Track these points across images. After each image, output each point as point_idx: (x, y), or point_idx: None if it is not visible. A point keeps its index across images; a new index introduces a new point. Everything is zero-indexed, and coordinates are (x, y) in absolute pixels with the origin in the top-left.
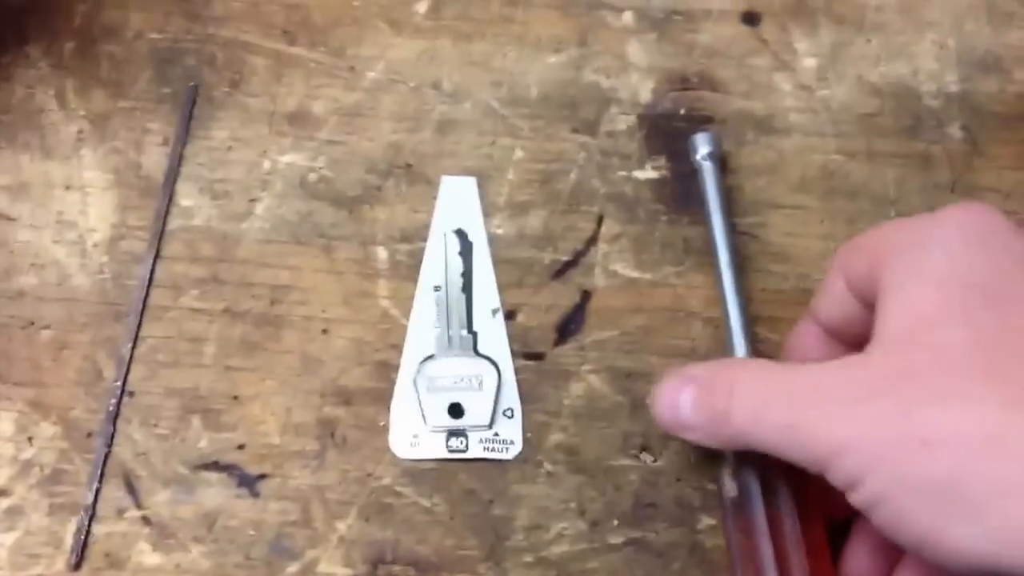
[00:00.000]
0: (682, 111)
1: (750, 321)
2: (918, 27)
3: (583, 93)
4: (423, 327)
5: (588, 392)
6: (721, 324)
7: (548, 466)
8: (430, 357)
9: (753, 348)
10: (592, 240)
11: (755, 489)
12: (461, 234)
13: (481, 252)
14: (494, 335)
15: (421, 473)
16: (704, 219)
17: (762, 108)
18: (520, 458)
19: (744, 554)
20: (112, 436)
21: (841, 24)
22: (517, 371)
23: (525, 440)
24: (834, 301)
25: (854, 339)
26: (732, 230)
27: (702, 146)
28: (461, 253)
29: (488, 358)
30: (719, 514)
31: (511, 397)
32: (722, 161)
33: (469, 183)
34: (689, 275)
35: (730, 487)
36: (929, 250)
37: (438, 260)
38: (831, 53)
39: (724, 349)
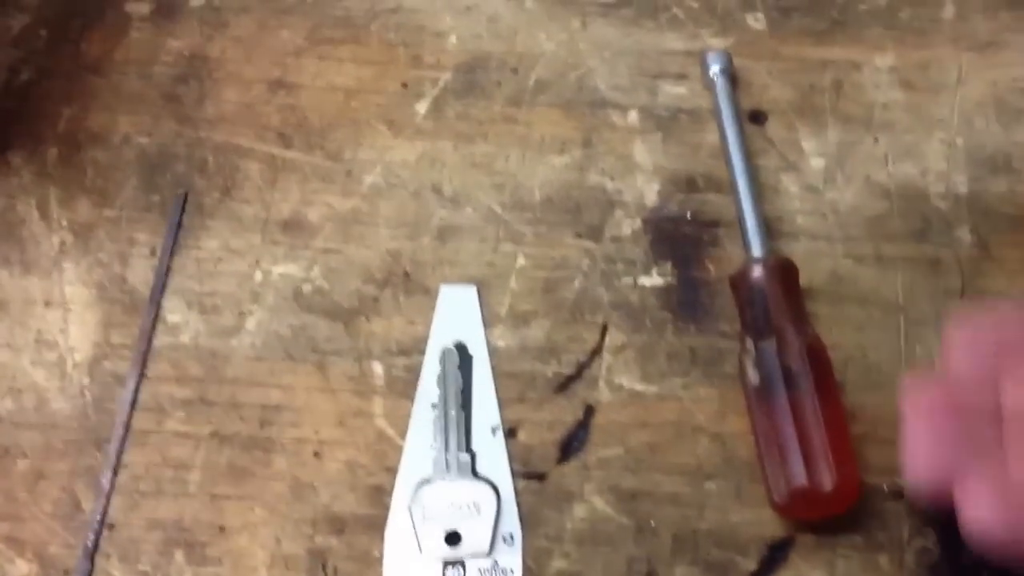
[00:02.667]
0: (689, 214)
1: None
2: (926, 126)
3: (587, 196)
4: (419, 447)
5: (591, 514)
6: (728, 439)
7: None
8: (426, 481)
9: (771, 247)
10: (596, 351)
11: (776, 375)
12: (461, 347)
13: (481, 366)
14: (494, 455)
15: None
16: (719, 132)
17: (769, 211)
18: None
19: (768, 438)
20: (89, 574)
21: (848, 123)
22: (517, 492)
23: (526, 568)
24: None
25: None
26: (746, 145)
27: (714, 63)
28: (460, 367)
29: (487, 480)
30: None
31: (511, 522)
32: (732, 78)
33: (470, 292)
34: (696, 387)
35: (753, 375)
36: None
37: (436, 375)
38: (838, 153)
39: (732, 465)
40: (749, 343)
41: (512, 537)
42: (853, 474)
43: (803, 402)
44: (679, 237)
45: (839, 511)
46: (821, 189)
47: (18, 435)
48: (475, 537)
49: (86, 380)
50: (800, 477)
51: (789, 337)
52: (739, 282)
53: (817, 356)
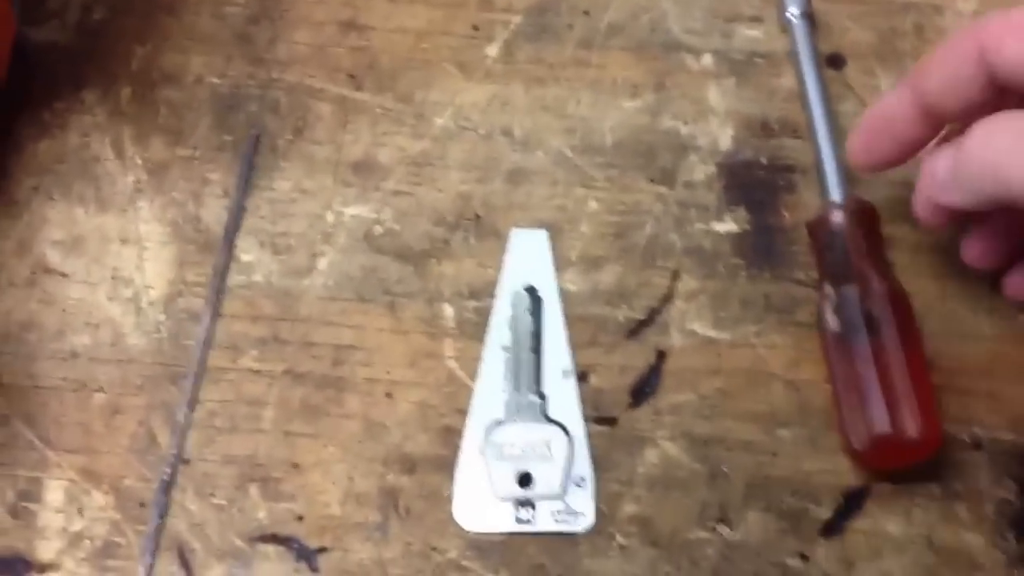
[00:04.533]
0: (763, 160)
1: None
2: None
3: (660, 141)
4: (490, 390)
5: (663, 460)
6: (802, 387)
7: (620, 539)
8: (498, 422)
9: (851, 192)
10: (668, 297)
11: (858, 321)
12: (532, 291)
13: (553, 310)
14: (565, 398)
15: (487, 546)
16: (797, 77)
17: (847, 158)
18: (591, 530)
19: (848, 384)
20: (166, 507)
21: None
22: (589, 437)
23: (597, 511)
24: (955, 84)
25: (956, 118)
26: (825, 87)
27: (792, 5)
28: (531, 311)
29: (559, 423)
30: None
31: (583, 465)
32: (811, 20)
33: (541, 236)
34: (769, 334)
35: (832, 322)
36: None
37: (507, 319)
38: None
39: (806, 413)
40: (829, 289)
41: (584, 480)
42: (936, 422)
43: (885, 348)
44: (753, 182)
45: (921, 459)
46: None
47: (95, 370)
48: (546, 479)
49: (161, 317)
50: (883, 424)
51: (871, 282)
52: (818, 227)
53: (899, 302)
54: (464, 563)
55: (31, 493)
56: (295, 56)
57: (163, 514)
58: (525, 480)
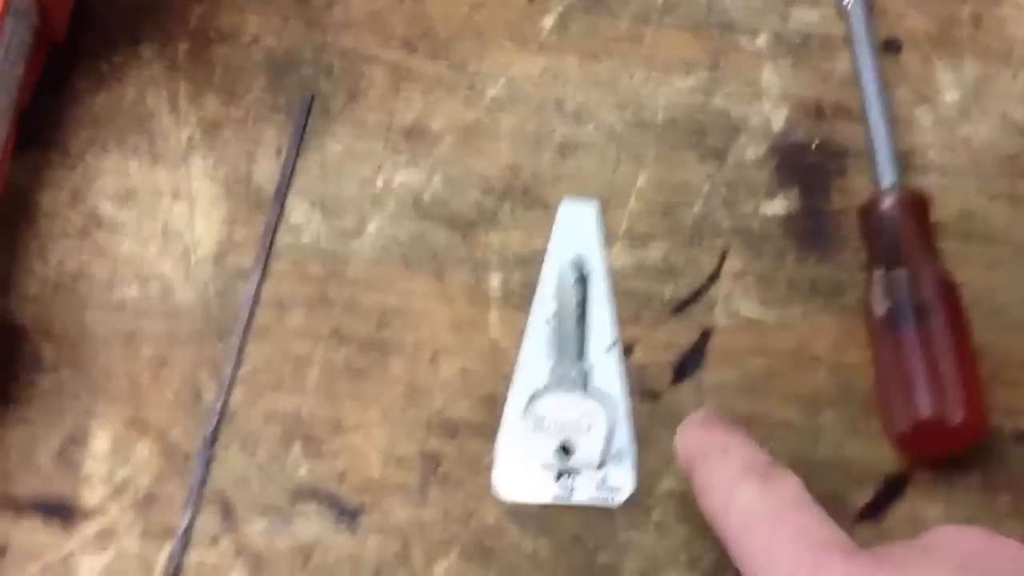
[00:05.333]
0: (816, 143)
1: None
2: None
3: (712, 120)
4: (534, 360)
5: None
6: (846, 371)
7: (657, 515)
8: (540, 392)
9: (902, 179)
10: (714, 276)
11: (906, 306)
12: (579, 262)
13: (599, 282)
14: (609, 371)
15: (525, 515)
16: (852, 61)
17: (900, 143)
18: (630, 504)
19: (893, 369)
20: (210, 460)
21: (987, 57)
22: (631, 411)
23: (637, 485)
24: None
25: None
26: (881, 72)
27: None
28: (578, 282)
29: (601, 395)
30: (867, 332)
31: (624, 438)
32: (868, 5)
33: (591, 208)
34: (815, 317)
35: (880, 306)
36: None
37: (553, 289)
38: (975, 88)
39: (849, 397)
40: (878, 274)
41: (624, 454)
42: (981, 410)
43: (933, 335)
44: (805, 165)
45: (964, 447)
46: (955, 124)
47: (143, 322)
48: (587, 450)
49: (210, 273)
50: (927, 409)
51: (921, 269)
52: (870, 212)
53: (948, 290)
54: (502, 529)
55: (78, 441)
56: (351, 21)
57: (207, 467)
58: (565, 451)
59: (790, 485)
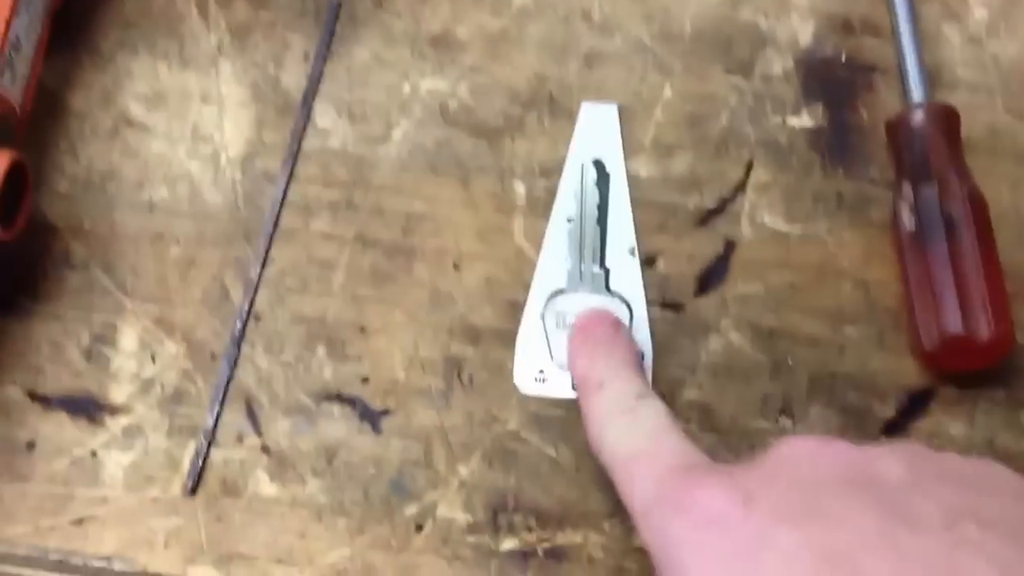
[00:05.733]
0: (843, 57)
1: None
2: None
3: (739, 32)
4: (554, 260)
5: (727, 348)
6: (872, 286)
7: (681, 424)
8: (559, 291)
9: (931, 95)
10: (740, 188)
11: (936, 221)
12: (599, 164)
13: (619, 185)
14: (628, 275)
15: (548, 421)
16: None
17: (928, 60)
18: None
19: (921, 285)
20: (236, 360)
21: None
22: (653, 321)
23: (657, 392)
24: None
25: None
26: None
27: None
28: (598, 184)
29: (620, 297)
30: (895, 248)
31: (642, 341)
32: None
33: (611, 111)
34: (841, 232)
35: (909, 221)
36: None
37: (574, 190)
38: (1003, 5)
39: (874, 312)
40: (906, 188)
41: (642, 356)
42: (1008, 327)
43: (962, 250)
44: (832, 79)
45: (990, 363)
46: (983, 41)
47: (171, 223)
48: None
49: (238, 175)
50: (955, 324)
51: (950, 184)
52: (898, 126)
53: (977, 206)
54: (524, 435)
55: (106, 338)
56: None
57: (233, 366)
58: None
59: (652, 416)
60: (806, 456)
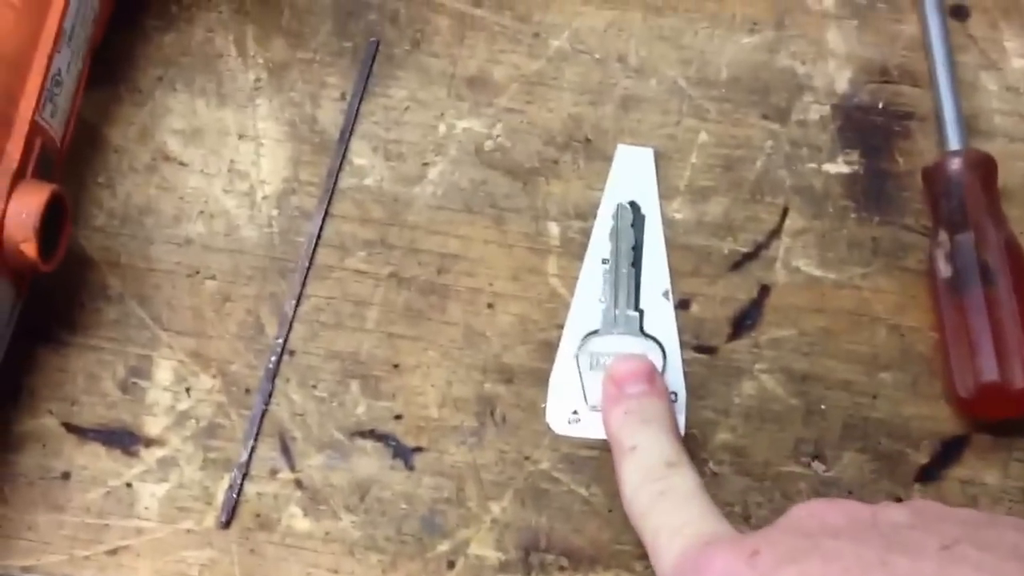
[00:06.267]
0: (880, 105)
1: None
2: None
3: (776, 78)
4: (588, 301)
5: (760, 392)
6: (907, 333)
7: (713, 465)
8: (593, 333)
9: (968, 143)
10: (775, 233)
11: (972, 269)
12: (634, 207)
13: (654, 228)
14: (662, 318)
15: (580, 461)
16: (920, 24)
17: (966, 108)
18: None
19: (957, 332)
20: (270, 394)
21: None
22: (687, 363)
23: (690, 436)
24: None
25: None
26: (948, 37)
27: None
28: (633, 226)
29: (654, 339)
30: (930, 295)
31: (676, 383)
32: None
33: (646, 154)
34: (876, 278)
35: (945, 268)
36: None
37: (609, 232)
38: None
39: (909, 358)
40: (943, 236)
41: (675, 396)
42: None
43: (998, 297)
44: (868, 126)
45: None
46: (1022, 90)
47: (208, 257)
48: None
49: (274, 212)
50: (991, 372)
51: (987, 232)
52: (935, 174)
53: (1014, 254)
54: (556, 475)
55: (141, 370)
56: None
57: (267, 401)
58: None
59: (682, 487)
60: (816, 512)
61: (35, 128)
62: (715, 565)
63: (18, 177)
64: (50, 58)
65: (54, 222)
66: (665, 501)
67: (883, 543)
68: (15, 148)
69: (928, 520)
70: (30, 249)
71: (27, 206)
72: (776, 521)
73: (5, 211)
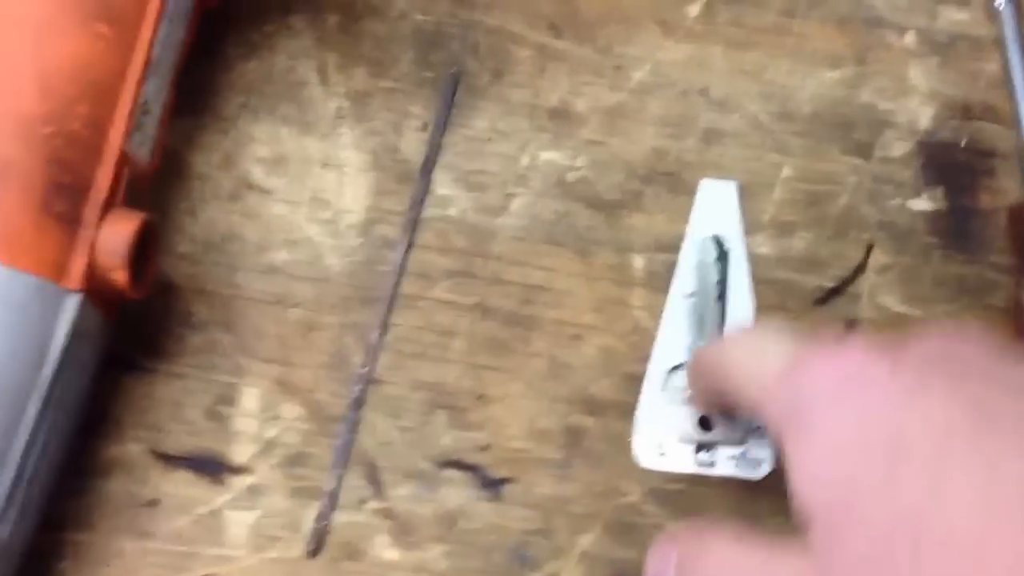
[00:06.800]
0: (963, 142)
1: None
2: None
3: (858, 114)
4: (674, 334)
5: None
6: None
7: None
8: (679, 366)
9: None
10: (860, 269)
11: None
12: (719, 241)
13: (738, 262)
14: None
15: (668, 494)
16: (1003, 62)
17: None
18: (771, 480)
19: None
20: (356, 423)
21: None
22: None
23: (777, 462)
24: None
25: None
26: None
27: None
28: (718, 260)
29: None
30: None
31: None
32: (1020, 7)
33: (730, 188)
34: (962, 315)
35: None
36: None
37: (694, 265)
38: None
39: None
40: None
41: (763, 429)
42: None
43: None
44: (952, 164)
45: None
46: None
47: (292, 285)
48: (727, 424)
49: (358, 241)
50: None
51: None
52: (1019, 213)
53: None
54: (644, 508)
55: (227, 398)
56: (498, 1)
57: (353, 430)
58: (705, 423)
59: None
60: (948, 339)
61: (124, 157)
62: (846, 355)
63: (108, 206)
64: (139, 86)
65: (143, 250)
66: None
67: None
68: (105, 177)
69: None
70: (121, 277)
71: (118, 234)
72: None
73: (96, 239)
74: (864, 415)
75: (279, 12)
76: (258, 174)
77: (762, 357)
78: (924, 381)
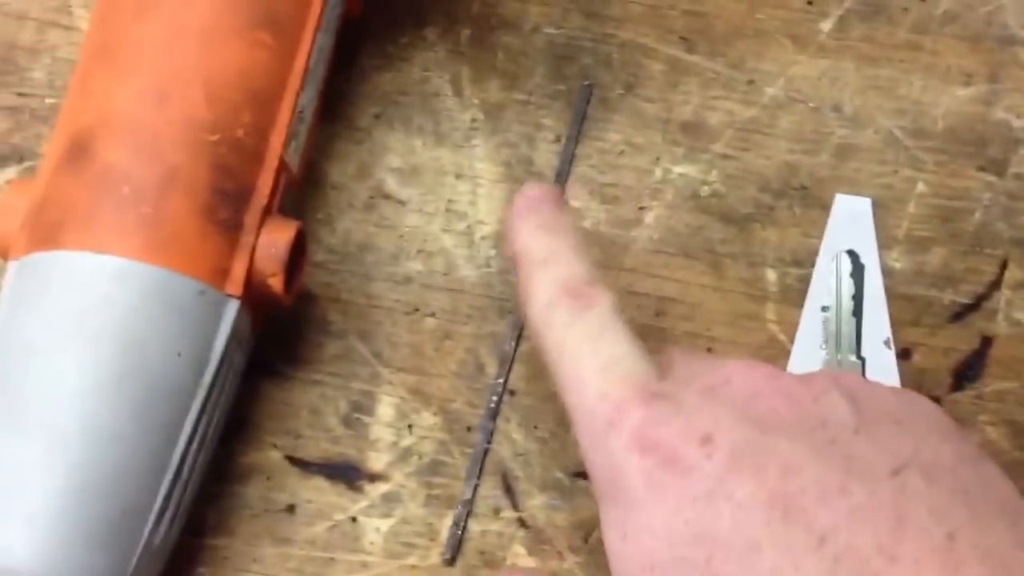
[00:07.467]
0: None
1: None
2: None
3: (991, 131)
4: (809, 348)
5: (985, 445)
6: None
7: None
8: None
9: None
10: (995, 284)
11: None
12: (853, 255)
13: (873, 277)
14: (884, 366)
15: None
16: None
17: None
18: None
19: None
20: (491, 433)
21: None
22: None
23: None
24: None
25: None
26: None
27: None
28: (853, 275)
29: None
30: None
31: None
32: None
33: (864, 204)
34: None
35: None
36: None
37: (828, 280)
38: None
39: None
40: None
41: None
42: None
43: None
44: None
45: None
46: None
47: (427, 295)
48: None
49: (492, 252)
50: None
51: None
52: None
53: None
54: None
55: (364, 406)
56: (629, 15)
57: (489, 440)
58: None
59: (601, 309)
60: (758, 390)
61: (282, 164)
62: (662, 442)
63: (267, 212)
64: (297, 95)
65: (294, 257)
66: (584, 322)
67: (840, 460)
68: (265, 184)
69: (870, 420)
70: (277, 283)
71: (276, 241)
72: (712, 368)
73: (255, 245)
74: (680, 506)
75: (414, 24)
76: (392, 184)
77: (613, 368)
78: (732, 472)
